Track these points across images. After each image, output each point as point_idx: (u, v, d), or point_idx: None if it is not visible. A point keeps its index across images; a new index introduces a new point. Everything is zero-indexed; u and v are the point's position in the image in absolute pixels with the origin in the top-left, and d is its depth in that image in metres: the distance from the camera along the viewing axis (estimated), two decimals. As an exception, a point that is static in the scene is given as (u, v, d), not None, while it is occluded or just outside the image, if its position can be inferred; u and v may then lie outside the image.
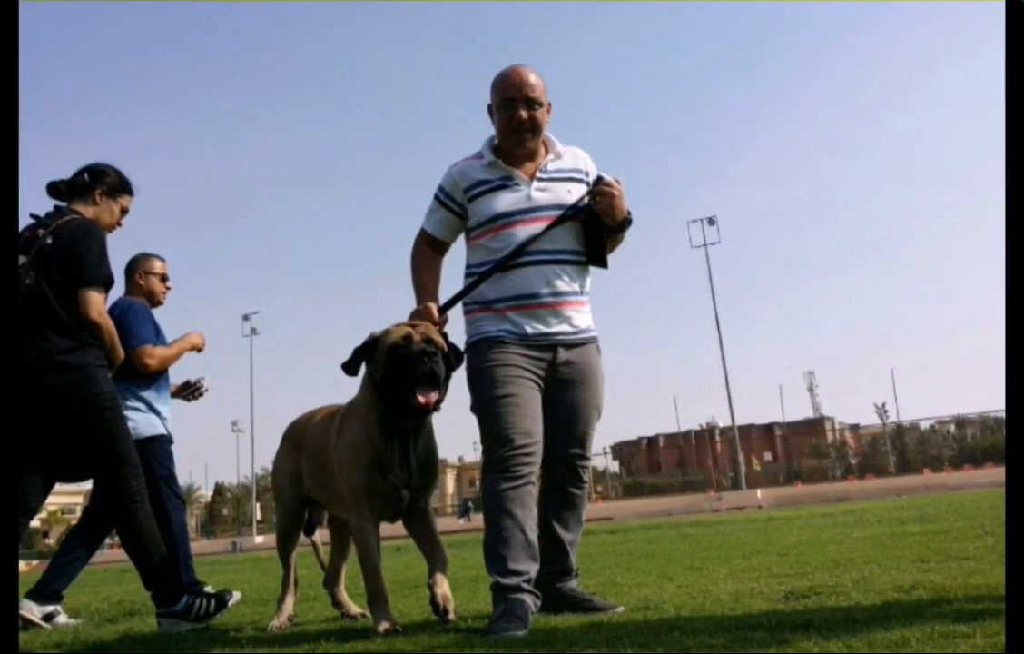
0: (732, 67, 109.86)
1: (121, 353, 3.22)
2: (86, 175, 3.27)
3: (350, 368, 2.58)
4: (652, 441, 71.74)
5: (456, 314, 2.81)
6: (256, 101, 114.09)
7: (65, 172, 3.28)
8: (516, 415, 2.58)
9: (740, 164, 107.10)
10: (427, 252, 2.88)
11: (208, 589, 3.75)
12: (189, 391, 4.49)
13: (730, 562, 4.22)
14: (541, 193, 2.77)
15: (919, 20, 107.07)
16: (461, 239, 2.90)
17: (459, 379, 2.65)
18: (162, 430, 4.09)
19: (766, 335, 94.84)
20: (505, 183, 2.77)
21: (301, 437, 3.00)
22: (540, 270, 2.70)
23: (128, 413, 3.64)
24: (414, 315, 2.68)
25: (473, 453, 64.70)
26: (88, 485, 3.36)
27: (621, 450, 71.22)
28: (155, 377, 4.09)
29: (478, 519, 15.96)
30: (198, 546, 30.15)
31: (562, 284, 2.72)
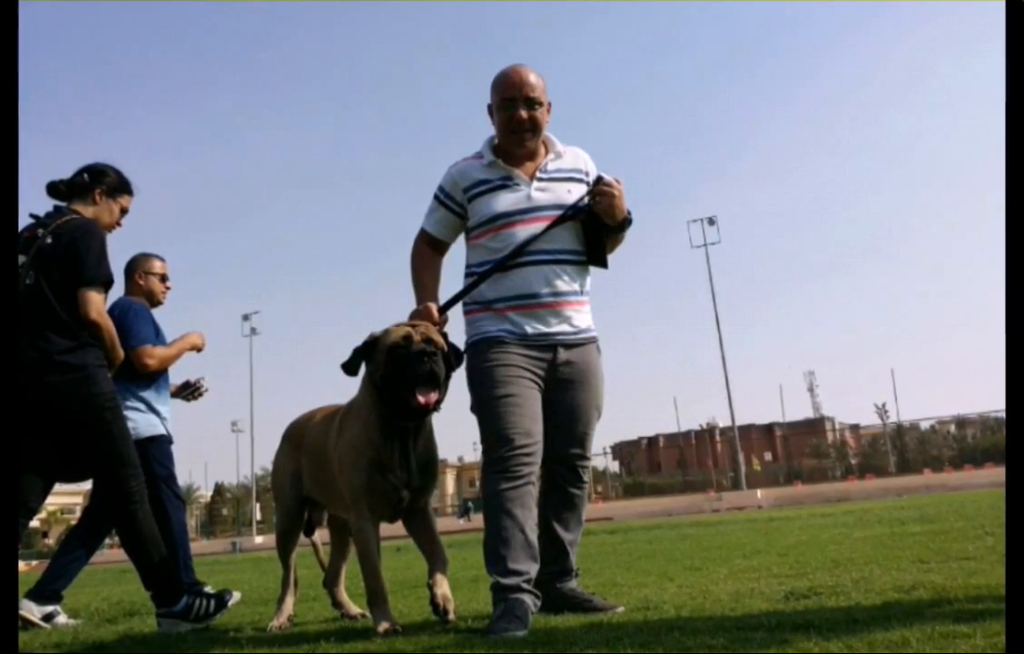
0: (732, 67, 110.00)
1: (121, 353, 3.22)
2: (86, 175, 3.27)
3: (350, 368, 2.57)
4: (652, 441, 71.75)
5: (456, 314, 2.81)
6: (256, 101, 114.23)
7: (65, 172, 3.28)
8: (516, 415, 2.58)
9: (740, 164, 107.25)
10: (427, 252, 2.88)
11: (208, 589, 3.74)
12: (189, 391, 4.49)
13: (730, 562, 4.22)
14: (541, 193, 2.76)
15: (919, 20, 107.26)
16: (461, 239, 2.90)
17: (459, 379, 2.65)
18: (162, 430, 4.08)
19: (766, 335, 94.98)
20: (505, 183, 2.77)
21: (301, 437, 3.00)
22: (540, 270, 2.70)
23: (128, 413, 3.64)
24: (414, 315, 2.68)
25: (473, 453, 64.76)
26: (88, 485, 3.36)
27: (621, 450, 71.22)
28: (155, 377, 4.09)
29: (478, 519, 15.95)
30: (198, 546, 30.14)
31: (562, 284, 2.72)
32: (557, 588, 2.72)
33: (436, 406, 2.48)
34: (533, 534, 2.55)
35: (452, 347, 2.60)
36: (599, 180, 2.76)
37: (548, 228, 2.71)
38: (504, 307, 2.69)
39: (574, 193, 2.78)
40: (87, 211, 3.22)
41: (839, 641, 1.74)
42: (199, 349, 4.28)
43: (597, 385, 2.80)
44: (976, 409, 53.65)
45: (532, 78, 2.76)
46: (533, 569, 2.52)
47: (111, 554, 19.87)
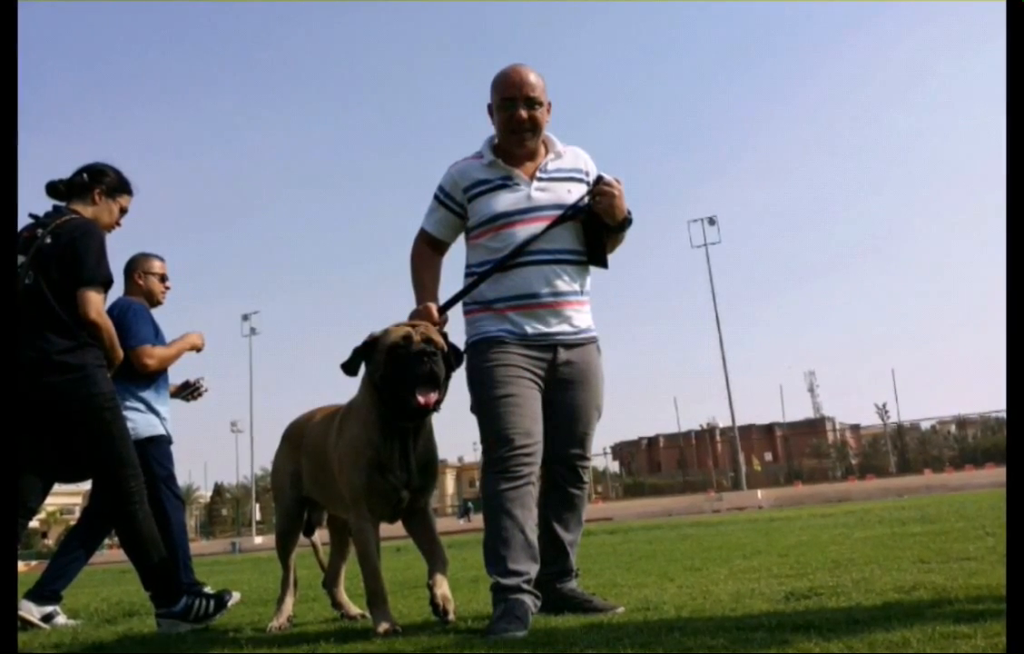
0: (732, 67, 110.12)
1: (120, 353, 3.22)
2: (85, 175, 3.27)
3: (350, 368, 2.57)
4: (652, 441, 71.76)
5: (456, 314, 2.80)
6: (256, 101, 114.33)
7: (65, 172, 3.28)
8: (516, 415, 2.58)
9: (740, 164, 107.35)
10: (427, 252, 2.88)
11: (207, 590, 3.74)
12: (188, 391, 4.48)
13: (730, 563, 4.22)
14: (541, 193, 2.76)
15: (919, 20, 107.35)
16: (461, 239, 2.90)
17: (459, 379, 2.65)
18: (161, 430, 4.08)
19: (766, 335, 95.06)
20: (505, 183, 2.76)
21: (301, 437, 2.99)
22: (540, 270, 2.69)
23: (127, 413, 3.64)
24: (414, 315, 2.68)
25: (473, 453, 64.73)
26: (87, 485, 3.35)
27: (621, 450, 71.23)
28: (154, 377, 4.08)
29: (478, 519, 15.95)
30: (197, 547, 30.15)
31: (562, 284, 2.71)
32: (557, 588, 2.71)
33: (436, 406, 2.47)
34: (533, 534, 2.55)
35: (452, 347, 2.60)
36: (599, 180, 2.75)
37: (548, 228, 2.70)
38: (504, 307, 2.69)
39: (574, 193, 2.78)
40: (86, 211, 3.21)
41: (839, 642, 1.74)
42: (199, 349, 4.27)
43: (597, 385, 2.79)
44: (977, 409, 53.77)
45: (532, 78, 2.76)
46: (533, 569, 2.52)
47: (110, 554, 19.87)
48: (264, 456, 54.88)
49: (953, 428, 56.58)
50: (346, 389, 2.71)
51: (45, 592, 3.84)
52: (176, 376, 4.39)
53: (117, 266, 3.63)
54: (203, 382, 4.52)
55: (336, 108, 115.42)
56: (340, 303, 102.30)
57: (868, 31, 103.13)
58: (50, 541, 59.46)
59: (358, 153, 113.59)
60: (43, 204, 3.22)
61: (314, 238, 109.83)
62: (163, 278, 4.27)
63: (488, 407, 2.61)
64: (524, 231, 2.70)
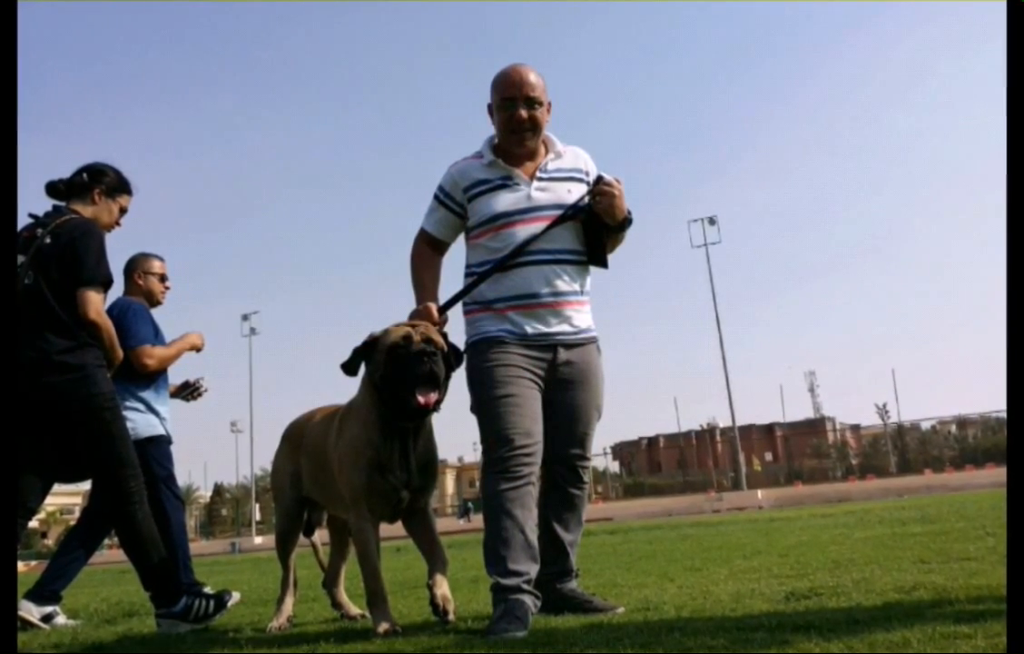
0: (732, 67, 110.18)
1: (120, 353, 3.21)
2: (85, 175, 3.27)
3: (350, 368, 2.57)
4: (652, 441, 71.75)
5: (456, 314, 2.80)
6: (256, 101, 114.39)
7: (65, 172, 3.28)
8: (516, 415, 2.57)
9: (740, 164, 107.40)
10: (427, 252, 2.88)
11: (207, 590, 3.74)
12: (188, 391, 4.48)
13: (731, 563, 4.22)
14: (541, 193, 2.76)
15: (919, 20, 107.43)
16: (461, 239, 2.89)
17: (459, 379, 2.65)
18: (161, 430, 4.08)
19: (766, 335, 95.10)
20: (505, 183, 2.76)
21: (300, 437, 2.99)
22: (540, 270, 2.69)
23: (127, 413, 3.64)
24: (414, 315, 2.68)
25: (473, 453, 64.74)
26: (87, 485, 3.35)
27: (621, 450, 71.22)
28: (154, 377, 4.08)
29: (478, 519, 15.95)
30: (197, 547, 30.16)
31: (562, 284, 2.71)
32: (557, 589, 2.71)
33: (436, 406, 2.47)
34: (533, 535, 2.55)
35: (452, 347, 2.59)
36: (599, 180, 2.75)
37: (548, 228, 2.70)
38: (504, 307, 2.69)
39: (574, 193, 2.77)
40: (86, 211, 3.21)
41: (840, 642, 1.74)
42: (198, 349, 4.27)
43: (597, 385, 2.79)
44: (977, 409, 53.79)
45: (532, 77, 2.76)
46: (533, 570, 2.51)
47: (110, 554, 19.87)
48: (264, 456, 54.95)
49: (953, 428, 56.59)
50: (346, 389, 2.72)
51: (45, 592, 3.84)
52: (176, 376, 4.40)
53: (117, 266, 3.64)
54: (203, 382, 4.52)
55: (336, 108, 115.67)
56: (340, 303, 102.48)
57: (868, 31, 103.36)
58: (50, 541, 59.48)
59: (358, 153, 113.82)
60: (43, 204, 3.22)
61: (314, 238, 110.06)
62: (163, 278, 4.27)
63: (488, 407, 2.61)
64: (524, 231, 2.70)
